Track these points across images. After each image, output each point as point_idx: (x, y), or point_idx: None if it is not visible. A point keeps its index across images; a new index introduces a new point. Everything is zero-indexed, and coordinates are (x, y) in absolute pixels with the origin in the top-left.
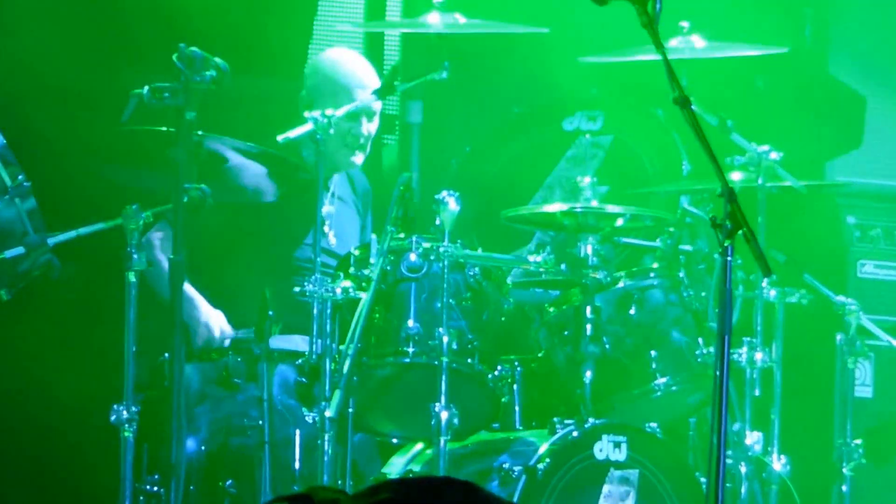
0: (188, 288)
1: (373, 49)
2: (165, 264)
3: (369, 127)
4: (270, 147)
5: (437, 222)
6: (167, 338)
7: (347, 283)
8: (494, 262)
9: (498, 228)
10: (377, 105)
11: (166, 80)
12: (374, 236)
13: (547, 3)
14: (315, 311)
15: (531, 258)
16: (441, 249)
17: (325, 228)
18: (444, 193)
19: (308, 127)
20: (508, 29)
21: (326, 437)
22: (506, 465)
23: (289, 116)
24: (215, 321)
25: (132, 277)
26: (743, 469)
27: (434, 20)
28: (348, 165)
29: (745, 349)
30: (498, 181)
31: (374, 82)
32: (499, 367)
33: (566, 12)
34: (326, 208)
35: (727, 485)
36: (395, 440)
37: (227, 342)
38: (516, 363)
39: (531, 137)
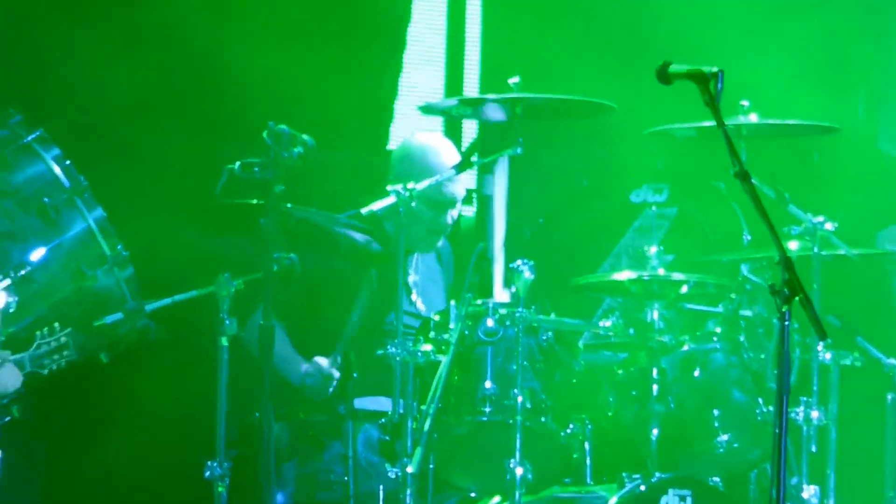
0: (286, 347)
1: (452, 126)
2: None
3: (452, 214)
4: (355, 219)
5: (513, 289)
6: (258, 398)
7: (428, 347)
8: (566, 326)
9: (570, 295)
10: (460, 193)
11: (256, 156)
12: (452, 302)
13: (614, 84)
14: (397, 372)
15: (601, 323)
16: (516, 315)
17: (413, 296)
18: (519, 262)
19: (391, 200)
20: (579, 98)
21: (408, 492)
22: None
23: (371, 189)
24: (317, 368)
25: (224, 341)
26: None
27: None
28: (432, 248)
29: (802, 408)
30: (569, 250)
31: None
32: (570, 425)
33: (632, 91)
34: (412, 277)
35: None
36: (473, 494)
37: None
38: (587, 421)
39: (600, 209)
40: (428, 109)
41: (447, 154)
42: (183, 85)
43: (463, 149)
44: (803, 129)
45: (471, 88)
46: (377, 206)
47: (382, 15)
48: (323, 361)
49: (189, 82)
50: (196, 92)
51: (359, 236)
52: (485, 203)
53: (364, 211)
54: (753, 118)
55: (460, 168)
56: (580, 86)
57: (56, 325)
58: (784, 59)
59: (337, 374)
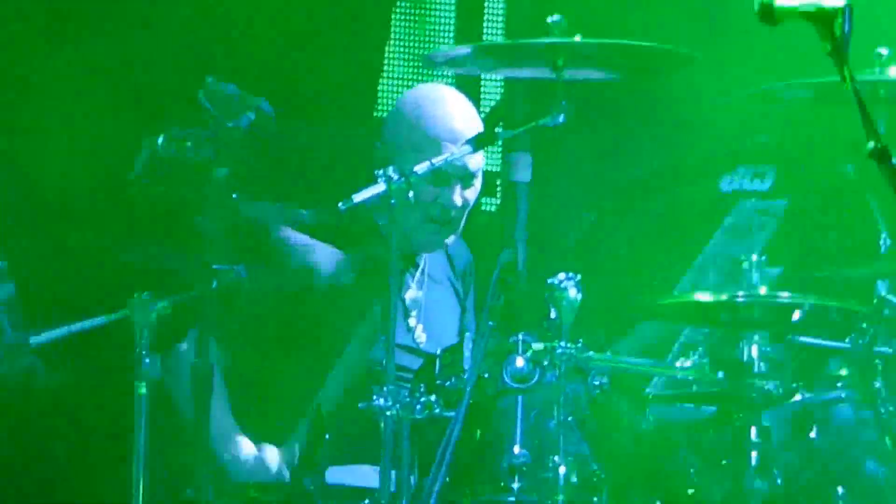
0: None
1: (466, 85)
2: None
3: (466, 195)
4: (330, 215)
5: (552, 315)
6: (191, 468)
7: (431, 398)
8: (628, 367)
9: (632, 323)
10: (475, 164)
11: (190, 126)
12: (467, 334)
13: (693, 27)
14: (387, 433)
15: (678, 363)
16: (557, 351)
17: (412, 321)
18: (561, 276)
19: (380, 188)
20: (646, 44)
21: None
22: None
23: (355, 173)
24: (260, 461)
25: (142, 389)
26: None
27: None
28: (436, 246)
29: None
30: (631, 260)
31: (473, 132)
32: None
33: (721, 37)
34: (412, 293)
35: None
36: None
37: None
38: (658, 502)
39: (675, 202)
40: (433, 61)
41: (454, 104)
42: (92, 30)
43: (483, 116)
44: None
45: (493, 31)
46: (360, 197)
47: None
48: (273, 454)
49: (100, 26)
50: (117, 51)
51: (326, 264)
52: (512, 194)
53: (342, 205)
54: (895, 73)
55: (479, 143)
56: (644, 30)
57: None
58: None
59: (287, 476)
